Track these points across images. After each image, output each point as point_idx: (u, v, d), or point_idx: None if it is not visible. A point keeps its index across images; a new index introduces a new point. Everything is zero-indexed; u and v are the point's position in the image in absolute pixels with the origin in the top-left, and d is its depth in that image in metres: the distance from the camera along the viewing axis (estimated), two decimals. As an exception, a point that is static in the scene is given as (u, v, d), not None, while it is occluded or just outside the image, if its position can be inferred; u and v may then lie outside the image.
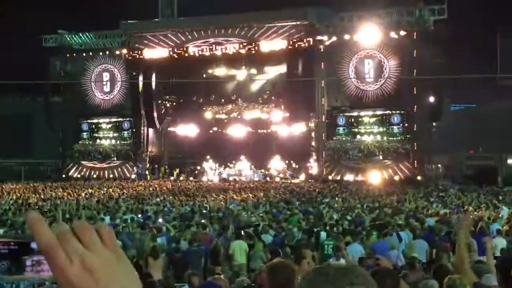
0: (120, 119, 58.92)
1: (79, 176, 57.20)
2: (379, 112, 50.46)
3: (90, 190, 39.05)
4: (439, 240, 16.31)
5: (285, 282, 3.92)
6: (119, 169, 57.87)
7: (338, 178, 49.52)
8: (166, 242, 15.62)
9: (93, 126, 59.93)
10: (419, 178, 47.58)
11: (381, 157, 49.81)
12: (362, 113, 51.09)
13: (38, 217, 1.16)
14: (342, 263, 2.23)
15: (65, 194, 35.75)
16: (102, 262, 1.15)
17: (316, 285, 1.80)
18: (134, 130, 58.42)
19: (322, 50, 50.91)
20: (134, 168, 57.33)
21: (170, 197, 33.04)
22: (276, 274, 3.95)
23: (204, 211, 23.59)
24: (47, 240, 1.13)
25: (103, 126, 59.76)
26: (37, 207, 25.89)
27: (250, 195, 34.50)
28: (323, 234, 16.77)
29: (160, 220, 20.11)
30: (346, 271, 1.83)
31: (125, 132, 59.10)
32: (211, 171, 56.91)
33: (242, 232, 16.33)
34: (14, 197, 33.22)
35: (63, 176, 56.64)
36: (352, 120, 51.53)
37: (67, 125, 59.44)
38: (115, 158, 58.52)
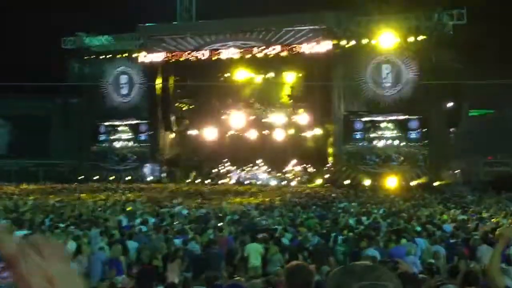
0: (137, 122, 59.23)
1: (96, 178, 57.48)
2: (396, 117, 50.29)
3: (107, 192, 39.25)
4: (457, 247, 16.21)
5: (303, 284, 3.89)
6: (136, 171, 58.13)
7: (355, 183, 49.35)
8: (183, 244, 15.64)
9: (110, 128, 60.29)
10: (436, 183, 47.35)
11: (398, 163, 49.62)
12: (379, 118, 50.93)
13: (5, 228, 1.25)
14: (364, 262, 2.24)
15: (83, 195, 35.94)
16: (59, 273, 1.25)
17: (344, 281, 1.82)
18: (151, 132, 58.68)
19: (339, 55, 50.82)
20: (147, 169, 57.60)
21: (187, 199, 33.10)
22: (295, 276, 3.92)
23: (220, 214, 23.58)
24: (11, 251, 1.20)
25: (120, 128, 60.08)
26: (54, 208, 26.02)
27: (266, 198, 34.45)
28: (340, 239, 16.72)
29: (176, 222, 20.14)
30: (372, 268, 1.86)
31: (142, 135, 59.40)
32: (228, 174, 57.03)
33: (259, 235, 16.29)
34: (32, 198, 33.45)
35: (80, 177, 56.93)
36: (369, 125, 51.40)
37: (84, 127, 59.90)
38: (131, 160, 58.84)
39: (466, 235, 17.70)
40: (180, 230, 17.78)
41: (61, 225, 18.74)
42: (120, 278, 13.37)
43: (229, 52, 54.25)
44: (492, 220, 22.24)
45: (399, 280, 3.83)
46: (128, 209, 22.60)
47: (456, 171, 52.32)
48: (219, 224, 19.01)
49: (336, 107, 51.72)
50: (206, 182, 55.33)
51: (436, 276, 11.00)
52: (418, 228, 18.90)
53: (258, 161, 57.04)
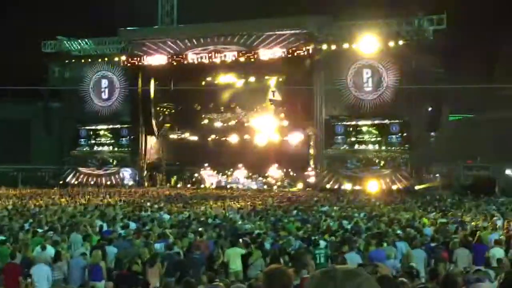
0: (118, 126, 58.93)
1: (76, 182, 57.10)
2: (377, 122, 50.52)
3: (87, 197, 38.96)
4: (437, 250, 16.29)
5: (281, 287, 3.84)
6: (117, 175, 57.83)
7: (336, 187, 49.47)
8: (164, 249, 15.56)
9: (91, 133, 59.93)
10: (417, 187, 47.63)
11: (379, 167, 49.86)
12: (360, 122, 51.14)
13: None
14: (348, 266, 2.21)
15: (63, 200, 35.65)
16: None
17: (324, 286, 1.78)
18: (132, 137, 58.43)
19: (321, 59, 50.97)
20: (126, 173, 57.35)
21: (168, 204, 32.96)
22: (273, 280, 3.89)
23: (202, 219, 23.50)
24: None
25: (101, 132, 59.75)
26: (33, 213, 25.77)
27: (248, 203, 34.40)
28: (322, 243, 16.73)
29: (157, 227, 20.04)
30: (352, 274, 1.82)
31: (123, 139, 59.11)
32: (209, 179, 56.95)
33: (240, 240, 16.26)
34: (11, 202, 33.11)
35: (61, 182, 56.51)
36: (351, 129, 51.58)
37: (65, 131, 59.50)
38: (112, 165, 58.55)
39: (446, 238, 17.81)
40: (160, 234, 17.69)
41: (40, 230, 18.56)
42: (101, 283, 13.30)
43: (210, 56, 54.15)
44: (472, 223, 22.40)
45: (379, 284, 3.82)
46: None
47: (437, 175, 52.66)
48: (199, 229, 18.93)
49: (318, 111, 51.83)
50: (187, 186, 55.21)
51: (416, 279, 11.03)
52: (399, 232, 18.97)
53: (239, 165, 56.98)
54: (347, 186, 49.49)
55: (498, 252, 15.70)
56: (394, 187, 48.01)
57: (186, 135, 60.18)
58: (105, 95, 59.19)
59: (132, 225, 20.41)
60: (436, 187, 49.37)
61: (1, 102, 58.96)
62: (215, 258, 15.34)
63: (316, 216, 25.56)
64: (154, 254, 13.96)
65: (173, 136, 60.88)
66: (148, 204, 32.94)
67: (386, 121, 50.20)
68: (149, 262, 13.40)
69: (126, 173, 57.88)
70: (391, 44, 49.03)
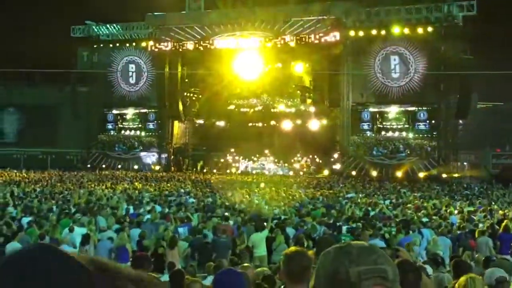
0: (145, 111, 59.34)
1: (104, 166, 57.69)
2: (404, 109, 50.13)
3: (114, 180, 39.37)
4: (464, 238, 16.21)
5: (301, 269, 3.87)
6: (143, 160, 58.35)
7: (362, 174, 49.29)
8: (188, 233, 15.69)
9: (119, 117, 60.43)
10: (444, 175, 47.23)
11: (405, 154, 49.52)
12: (387, 109, 50.78)
13: None
14: (363, 242, 2.21)
15: (90, 183, 36.06)
16: None
17: (339, 263, 1.78)
18: (159, 121, 58.78)
19: (348, 45, 50.61)
20: (153, 158, 57.84)
21: (193, 188, 33.16)
22: (292, 261, 3.92)
23: (227, 203, 23.62)
24: None
25: (128, 117, 60.23)
26: (62, 195, 26.14)
27: (273, 188, 34.44)
28: (344, 229, 16.74)
29: (183, 210, 20.19)
30: (369, 250, 1.82)
31: (150, 124, 59.50)
32: (235, 164, 57.10)
33: (264, 224, 16.32)
34: (40, 185, 33.60)
35: (88, 166, 57.17)
36: (377, 115, 51.24)
37: (93, 115, 60.03)
38: (139, 149, 59.04)
39: (473, 226, 17.68)
40: (184, 218, 17.83)
41: (68, 212, 18.83)
42: (127, 265, 13.45)
43: (237, 42, 54.15)
44: (500, 212, 22.20)
45: (399, 269, 3.83)
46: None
47: (464, 163, 52.17)
48: (225, 214, 19.04)
49: (344, 97, 51.56)
50: (213, 171, 55.42)
51: (441, 267, 11.00)
52: (425, 219, 18.89)
53: (265, 151, 57.04)
54: (373, 173, 49.27)
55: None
56: (421, 174, 47.68)
57: (213, 120, 60.30)
58: (132, 80, 59.53)
59: (158, 208, 20.60)
60: (464, 175, 48.91)
61: (31, 87, 59.67)
62: (238, 242, 15.42)
63: (341, 203, 25.53)
64: (173, 237, 14.08)
65: (199, 121, 61.06)
66: (175, 188, 33.19)
67: (414, 108, 49.79)
68: (169, 244, 13.55)
69: (153, 158, 58.32)
70: (420, 30, 48.48)
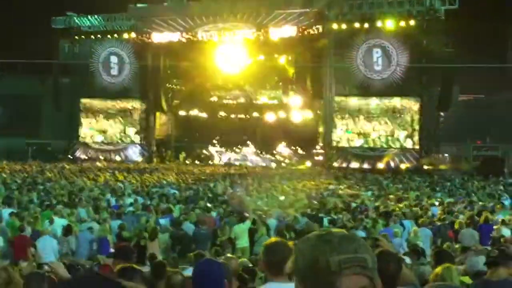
0: (127, 103, 59.04)
1: (86, 157, 57.41)
2: (387, 101, 50.31)
3: (96, 172, 39.19)
4: (443, 229, 16.37)
5: (280, 260, 3.86)
6: (126, 151, 58.16)
7: (344, 165, 49.49)
8: (170, 224, 15.69)
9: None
10: (425, 167, 47.57)
11: (387, 146, 49.79)
12: (370, 101, 50.93)
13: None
14: (343, 230, 2.20)
15: (72, 175, 35.87)
16: None
17: (319, 251, 1.78)
18: (141, 113, 58.53)
19: (331, 38, 50.63)
20: (135, 149, 57.65)
21: (176, 180, 33.11)
22: (272, 252, 3.93)
23: (209, 195, 23.62)
24: None
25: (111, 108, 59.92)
26: (42, 186, 25.98)
27: (255, 180, 34.50)
28: (325, 221, 16.83)
29: (164, 202, 20.17)
30: (349, 238, 1.82)
31: (132, 115, 59.20)
32: (217, 155, 57.10)
33: (246, 215, 16.35)
34: (21, 176, 33.36)
35: (70, 157, 56.86)
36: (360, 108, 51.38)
37: (74, 106, 59.66)
38: (121, 141, 58.82)
39: (453, 218, 17.86)
40: (165, 210, 17.82)
41: (49, 203, 18.73)
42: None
43: (220, 34, 54.02)
44: (480, 203, 22.40)
45: (380, 260, 3.87)
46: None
47: (446, 155, 52.56)
48: (207, 205, 19.06)
49: (327, 90, 51.65)
50: (195, 162, 55.37)
51: (422, 258, 11.10)
52: (406, 210, 19.04)
53: (248, 143, 57.08)
54: (355, 164, 49.49)
55: (505, 232, 15.76)
56: (403, 166, 47.97)
57: (195, 111, 60.18)
58: (114, 71, 59.17)
59: (140, 200, 20.56)
60: (445, 166, 49.29)
61: (12, 77, 59.17)
62: (220, 234, 15.45)
63: (323, 194, 25.64)
64: (154, 228, 14.09)
65: (182, 112, 60.89)
66: (157, 179, 33.12)
67: (396, 101, 49.99)
68: (150, 236, 13.56)
69: (136, 149, 58.13)
70: (402, 23, 48.66)
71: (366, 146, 50.37)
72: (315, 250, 1.80)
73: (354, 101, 51.11)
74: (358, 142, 50.74)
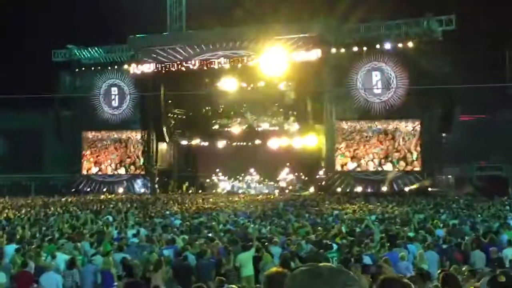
0: (129, 133, 59.13)
1: (88, 190, 57.35)
2: (387, 124, 50.35)
3: (99, 204, 39.08)
4: (450, 251, 16.22)
5: None
6: (129, 183, 58.08)
7: (347, 190, 49.37)
8: (173, 255, 15.57)
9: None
10: (429, 189, 47.43)
11: (391, 168, 49.71)
12: (370, 124, 50.97)
13: None
14: (327, 264, 2.17)
15: (74, 207, 35.76)
16: None
17: (311, 283, 1.74)
18: (143, 144, 58.58)
19: (330, 62, 50.82)
20: (138, 181, 57.55)
21: (180, 210, 32.98)
22: (272, 282, 3.87)
23: (213, 224, 23.48)
24: None
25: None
26: (46, 221, 25.87)
27: (259, 207, 34.36)
28: (335, 247, 16.65)
29: (168, 233, 20.04)
30: (339, 272, 1.80)
31: (134, 146, 59.27)
32: (221, 184, 57.02)
33: (250, 244, 16.22)
34: (24, 211, 33.25)
35: (73, 190, 56.79)
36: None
37: (76, 139, 59.77)
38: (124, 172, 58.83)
39: (458, 239, 17.71)
40: (169, 240, 17.70)
41: (52, 237, 18.64)
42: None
43: (219, 62, 54.27)
44: (485, 224, 22.23)
45: (385, 285, 3.78)
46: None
47: (449, 176, 52.39)
48: (210, 234, 18.93)
49: (328, 114, 51.73)
50: (198, 192, 55.26)
51: (427, 282, 10.96)
52: (411, 234, 18.88)
53: (250, 170, 57.01)
54: (358, 189, 49.36)
55: (510, 253, 15.62)
56: (406, 189, 47.82)
57: (197, 140, 60.24)
58: (115, 103, 59.42)
59: (143, 232, 20.43)
60: (449, 188, 49.10)
61: (13, 112, 59.31)
62: (225, 262, 15.32)
63: (327, 220, 25.48)
64: (158, 260, 13.98)
65: (184, 141, 60.95)
66: (160, 210, 33.01)
67: (397, 123, 50.03)
68: (154, 268, 13.45)
69: (138, 180, 58.07)
70: (400, 45, 48.92)
71: (359, 170, 50.35)
72: (306, 284, 1.77)
73: (354, 125, 51.16)
74: (351, 165, 50.73)
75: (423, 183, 47.95)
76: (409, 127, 49.62)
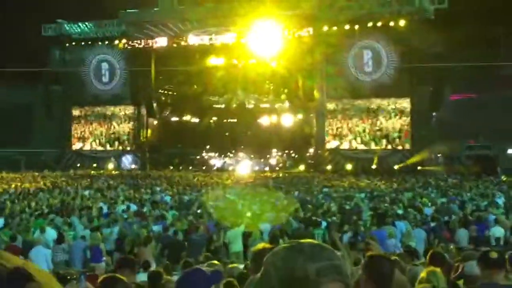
0: (119, 109, 58.89)
1: (78, 165, 57.22)
2: (377, 102, 50.40)
3: (88, 179, 39.08)
4: (438, 230, 16.36)
5: None
6: (118, 158, 57.98)
7: (337, 168, 49.51)
8: (162, 230, 15.62)
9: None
10: (418, 167, 47.64)
11: (380, 147, 49.88)
12: (360, 103, 51.00)
13: None
14: (308, 240, 2.17)
15: (64, 183, 35.74)
16: None
17: (293, 261, 1.74)
18: (133, 120, 58.40)
19: (321, 40, 50.66)
20: (128, 157, 57.44)
21: (169, 186, 33.01)
22: (260, 258, 3.89)
23: (202, 201, 23.53)
24: None
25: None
26: (35, 196, 25.85)
27: (249, 184, 34.45)
28: (324, 224, 16.76)
29: (158, 209, 20.10)
30: (320, 247, 1.79)
31: (124, 122, 59.08)
32: (211, 161, 57.02)
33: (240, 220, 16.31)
34: (13, 185, 33.20)
35: (63, 165, 56.64)
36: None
37: (66, 114, 59.50)
38: (115, 148, 58.69)
39: (446, 218, 17.86)
40: (159, 216, 17.75)
41: (41, 212, 18.64)
42: (101, 264, 13.37)
43: (210, 38, 53.98)
44: (473, 203, 22.39)
45: (373, 263, 3.79)
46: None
47: (438, 155, 52.60)
48: (199, 211, 18.99)
49: (318, 92, 51.69)
50: (188, 168, 55.25)
51: (415, 259, 11.04)
52: (400, 212, 19.01)
53: (241, 147, 57.04)
54: (348, 166, 49.52)
55: (498, 231, 15.77)
56: (396, 167, 48.03)
57: (187, 117, 60.11)
58: (105, 79, 59.09)
59: (133, 207, 20.48)
60: (438, 166, 49.33)
61: (2, 87, 58.84)
62: (215, 238, 15.40)
63: (317, 197, 25.59)
64: (147, 236, 14.04)
65: (174, 118, 60.80)
66: (150, 186, 33.03)
67: (387, 102, 50.08)
68: (143, 243, 13.50)
69: (129, 156, 57.98)
70: (392, 24, 48.79)
71: (348, 147, 50.58)
72: (289, 260, 1.76)
73: (343, 103, 51.22)
74: (334, 143, 50.98)
75: (421, 156, 48.11)
76: (391, 105, 49.77)
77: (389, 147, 49.80)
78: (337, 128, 51.15)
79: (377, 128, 50.17)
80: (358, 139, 50.43)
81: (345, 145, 51.01)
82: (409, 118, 49.69)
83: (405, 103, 49.67)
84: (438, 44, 46.33)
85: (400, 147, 49.82)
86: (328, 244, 1.88)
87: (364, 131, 50.42)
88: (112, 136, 59.09)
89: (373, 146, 50.09)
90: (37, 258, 13.12)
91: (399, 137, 49.75)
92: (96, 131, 59.52)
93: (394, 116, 49.92)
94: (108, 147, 58.95)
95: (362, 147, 50.40)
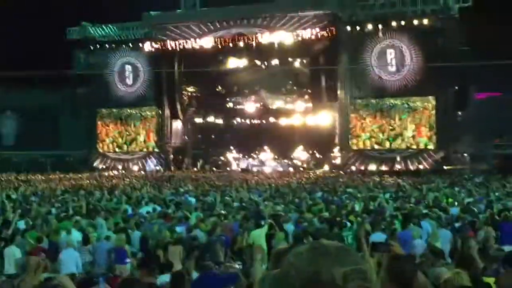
0: (143, 111, 59.24)
1: (104, 167, 57.67)
2: (402, 102, 50.04)
3: (114, 181, 39.33)
4: (463, 230, 16.15)
5: None
6: (143, 160, 58.32)
7: (362, 168, 49.27)
8: (186, 232, 15.64)
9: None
10: (444, 167, 47.21)
11: (405, 147, 49.55)
12: (384, 102, 50.68)
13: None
14: (332, 242, 2.15)
15: (90, 185, 36.01)
16: None
17: (319, 264, 1.70)
18: (157, 121, 58.70)
19: (344, 40, 50.50)
20: (153, 159, 57.69)
21: (193, 187, 33.09)
22: (280, 259, 3.87)
23: (226, 201, 23.54)
24: None
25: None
26: (60, 198, 26.07)
27: (273, 185, 34.40)
28: (349, 225, 16.65)
29: (182, 210, 20.12)
30: (345, 250, 1.75)
31: (149, 124, 59.41)
32: (235, 162, 57.08)
33: (263, 221, 16.25)
34: (40, 188, 33.53)
35: (88, 167, 57.15)
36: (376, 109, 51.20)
37: (92, 116, 60.03)
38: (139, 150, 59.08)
39: (473, 218, 17.63)
40: (182, 217, 17.76)
41: (67, 214, 18.79)
42: (125, 266, 13.42)
43: (233, 39, 54.06)
44: (500, 203, 22.11)
45: (395, 264, 3.75)
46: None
47: (465, 154, 52.09)
48: (223, 212, 18.98)
49: (342, 92, 51.50)
50: (213, 169, 55.36)
51: (441, 260, 10.93)
52: (425, 212, 18.83)
53: (265, 148, 57.02)
54: (372, 167, 49.24)
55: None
56: (421, 166, 47.65)
57: (211, 118, 60.26)
58: (129, 81, 59.43)
59: (157, 209, 20.54)
60: (464, 166, 48.81)
61: (29, 90, 59.56)
62: (240, 240, 15.37)
63: (341, 198, 25.46)
64: (172, 237, 14.06)
65: (198, 119, 61.00)
66: (174, 187, 33.13)
67: (412, 101, 49.71)
68: (167, 244, 13.52)
69: (153, 158, 58.23)
70: (416, 23, 48.41)
71: (377, 148, 50.25)
72: (313, 262, 1.72)
73: (368, 103, 50.96)
74: (358, 143, 50.85)
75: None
76: (415, 103, 49.42)
77: (414, 146, 49.36)
78: (361, 128, 50.91)
79: (401, 127, 49.76)
80: (383, 139, 50.08)
81: (369, 145, 50.75)
82: (434, 117, 49.15)
83: (429, 103, 49.20)
84: (462, 42, 45.90)
85: (422, 146, 49.32)
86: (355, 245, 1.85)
87: (389, 130, 50.07)
88: (137, 138, 59.42)
89: (397, 145, 49.68)
90: (68, 260, 13.24)
91: (413, 136, 49.37)
92: (121, 133, 59.90)
93: (417, 116, 49.44)
94: (132, 149, 59.28)
95: (386, 146, 50.05)
